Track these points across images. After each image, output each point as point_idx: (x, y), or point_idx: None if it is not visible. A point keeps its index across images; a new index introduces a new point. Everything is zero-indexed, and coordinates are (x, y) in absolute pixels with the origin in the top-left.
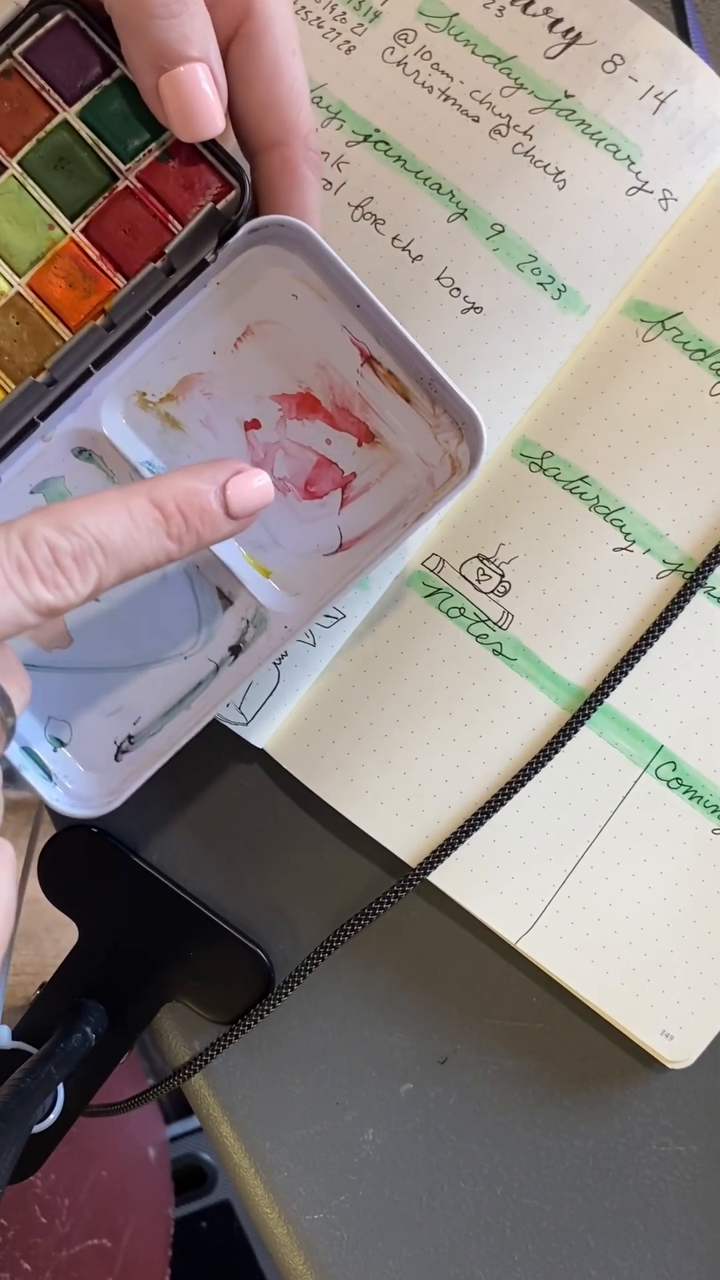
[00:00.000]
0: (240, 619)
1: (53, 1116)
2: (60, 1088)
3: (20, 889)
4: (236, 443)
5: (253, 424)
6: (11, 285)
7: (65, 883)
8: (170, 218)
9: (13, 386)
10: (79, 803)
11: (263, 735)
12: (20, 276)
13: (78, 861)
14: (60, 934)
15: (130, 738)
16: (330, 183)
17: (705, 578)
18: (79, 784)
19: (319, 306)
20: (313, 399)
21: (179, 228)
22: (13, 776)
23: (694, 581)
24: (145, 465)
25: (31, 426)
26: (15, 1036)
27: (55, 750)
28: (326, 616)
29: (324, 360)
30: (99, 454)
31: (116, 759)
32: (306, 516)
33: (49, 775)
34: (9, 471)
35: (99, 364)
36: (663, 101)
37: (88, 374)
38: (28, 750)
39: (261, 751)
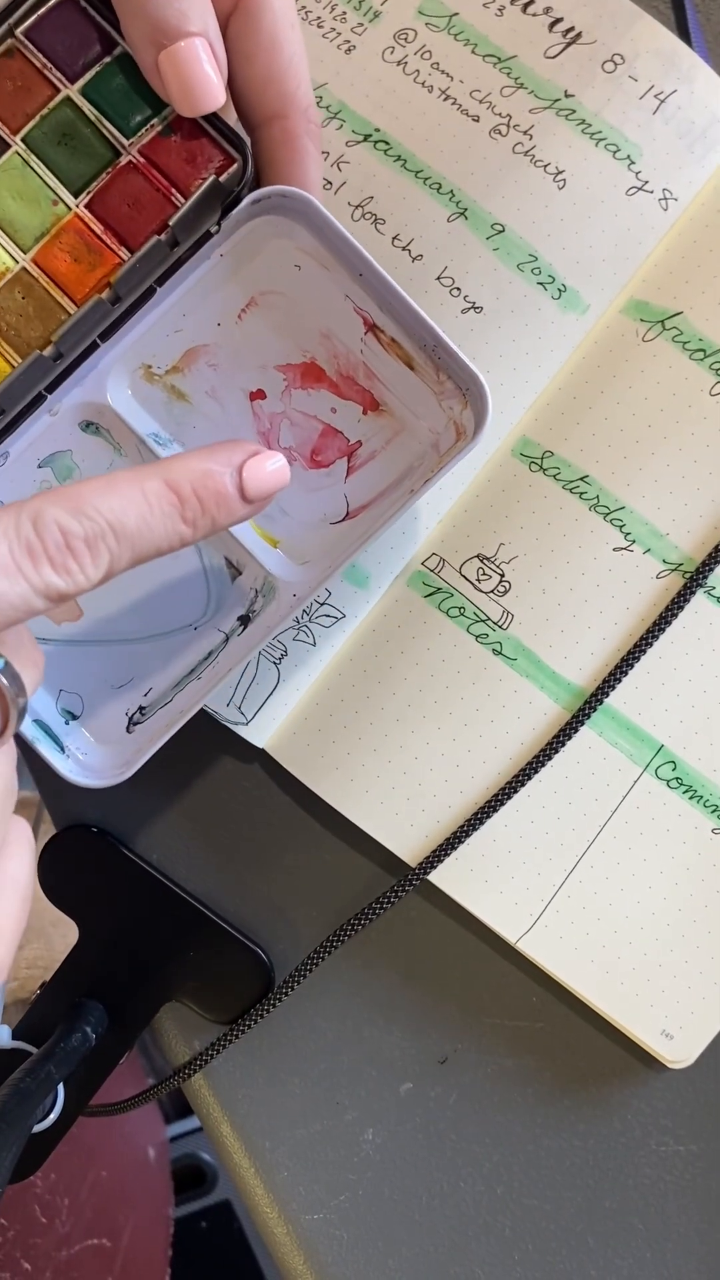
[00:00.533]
0: (249, 588)
1: (53, 1116)
2: (60, 1087)
3: None
4: (242, 413)
5: (258, 394)
6: (16, 261)
7: (66, 882)
8: (173, 191)
9: (19, 360)
10: (91, 774)
11: (263, 735)
12: (25, 252)
13: (78, 861)
14: (67, 929)
15: (141, 709)
16: (330, 182)
17: (705, 577)
18: (91, 756)
19: (322, 276)
20: (317, 368)
21: (182, 201)
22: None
23: (694, 581)
24: (152, 437)
25: (38, 400)
26: (15, 1036)
27: (67, 723)
28: (327, 616)
29: (328, 329)
30: (105, 427)
31: (128, 730)
32: (313, 485)
33: (61, 748)
34: (16, 445)
35: (105, 337)
36: (663, 101)
37: (94, 347)
38: (40, 723)
39: (261, 751)
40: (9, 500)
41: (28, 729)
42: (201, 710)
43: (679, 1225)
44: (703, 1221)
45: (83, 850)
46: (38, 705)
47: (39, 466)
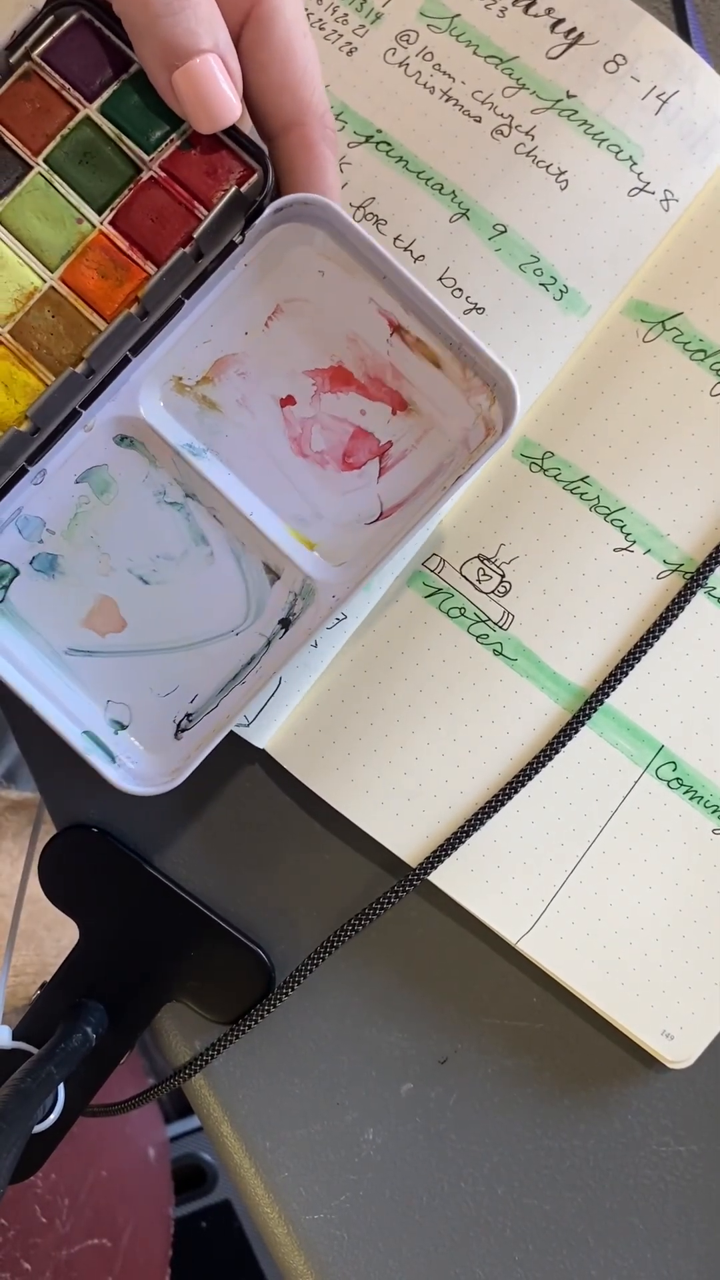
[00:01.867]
0: (288, 592)
1: (53, 1116)
2: (61, 1087)
3: (21, 889)
4: (273, 420)
5: (288, 400)
6: (45, 280)
7: (66, 883)
8: (196, 204)
9: (52, 378)
10: (142, 782)
11: (264, 736)
12: (53, 271)
13: (78, 861)
14: (61, 933)
15: (189, 715)
16: None
17: (705, 578)
18: (141, 764)
19: (346, 280)
20: (345, 372)
21: (205, 213)
22: (13, 776)
23: (694, 582)
24: (186, 448)
25: (73, 416)
26: (16, 1037)
27: (116, 733)
28: None
29: (354, 333)
30: (140, 440)
31: (176, 737)
32: (346, 487)
33: (112, 758)
34: (53, 462)
35: (135, 351)
36: (665, 102)
37: (125, 361)
38: (89, 734)
39: (262, 752)
40: (48, 516)
41: (78, 741)
42: None
43: (679, 1225)
44: (703, 1221)
45: (83, 850)
46: (86, 716)
47: (76, 482)
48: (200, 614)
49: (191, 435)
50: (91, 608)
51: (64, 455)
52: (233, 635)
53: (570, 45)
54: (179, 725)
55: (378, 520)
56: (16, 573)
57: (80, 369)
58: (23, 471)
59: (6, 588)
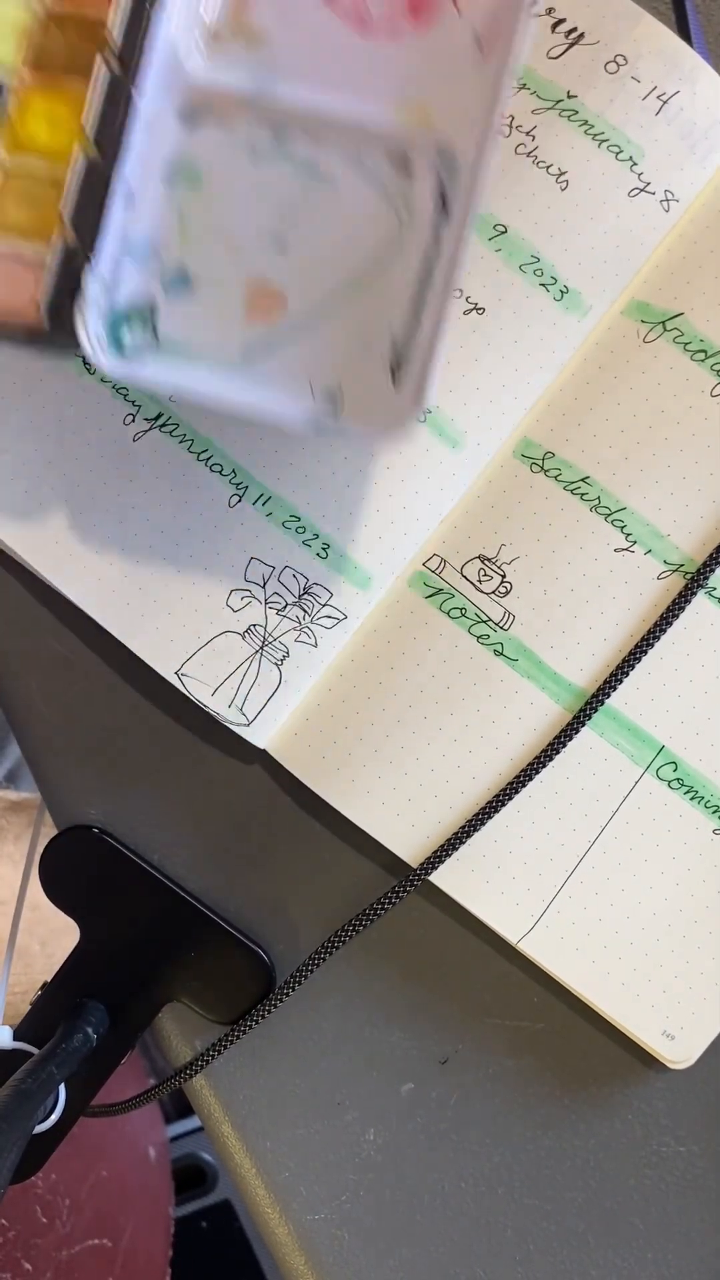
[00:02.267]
0: (428, 174)
1: (54, 1117)
2: (61, 1088)
3: (22, 889)
4: (322, 14)
5: None
6: (33, 8)
7: (66, 883)
8: None
9: (89, 88)
10: (387, 430)
11: (264, 736)
12: None
13: (79, 862)
14: (55, 948)
15: (396, 356)
16: None
17: (706, 578)
18: (378, 418)
19: None
20: None
21: None
22: (13, 777)
23: (695, 582)
24: (255, 89)
25: (129, 118)
26: (17, 1037)
27: (338, 409)
28: (328, 618)
29: None
30: (204, 107)
31: (395, 379)
32: (430, 41)
33: (345, 432)
34: (134, 177)
35: (153, 15)
36: (665, 102)
37: (150, 35)
38: (315, 421)
39: (263, 752)
40: (155, 233)
41: (308, 429)
42: (202, 711)
43: (679, 1225)
44: (703, 1221)
45: (83, 851)
46: (304, 408)
47: (165, 185)
48: (353, 247)
49: (251, 73)
50: (245, 300)
51: (139, 164)
52: (397, 247)
53: (571, 45)
54: (393, 366)
55: (481, 53)
56: (155, 305)
57: (112, 65)
58: (108, 200)
59: (154, 325)
